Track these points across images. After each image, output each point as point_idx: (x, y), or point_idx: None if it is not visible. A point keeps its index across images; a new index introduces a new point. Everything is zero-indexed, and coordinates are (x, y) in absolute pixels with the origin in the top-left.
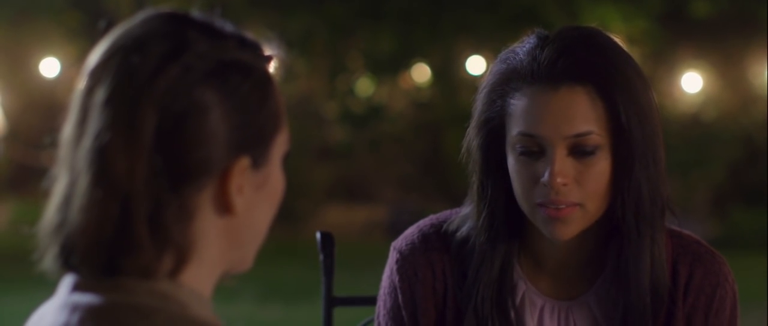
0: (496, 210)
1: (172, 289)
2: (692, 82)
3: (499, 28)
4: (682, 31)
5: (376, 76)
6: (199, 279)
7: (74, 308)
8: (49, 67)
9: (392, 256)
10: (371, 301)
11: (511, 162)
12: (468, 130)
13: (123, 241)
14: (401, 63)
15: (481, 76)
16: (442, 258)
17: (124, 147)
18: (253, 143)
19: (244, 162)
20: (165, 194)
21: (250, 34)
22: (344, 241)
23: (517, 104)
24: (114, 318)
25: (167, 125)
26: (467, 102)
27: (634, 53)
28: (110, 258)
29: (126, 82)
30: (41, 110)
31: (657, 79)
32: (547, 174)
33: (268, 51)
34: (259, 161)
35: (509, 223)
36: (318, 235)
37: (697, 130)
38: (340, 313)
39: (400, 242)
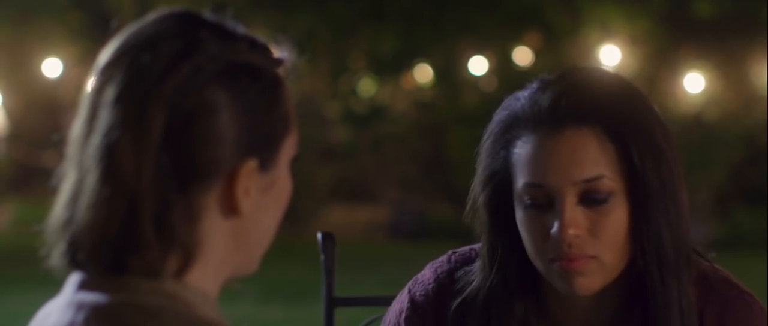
0: (509, 272)
1: (178, 289)
2: (694, 82)
3: (501, 28)
4: (684, 31)
5: (379, 77)
6: (204, 280)
7: (80, 307)
8: (52, 67)
9: (405, 299)
10: (372, 302)
11: (520, 216)
12: (473, 185)
13: (129, 240)
14: (403, 63)
15: (483, 77)
16: (454, 316)
17: (132, 145)
18: (261, 145)
19: (252, 164)
20: (172, 194)
21: (261, 37)
22: (346, 242)
23: (521, 153)
24: (120, 318)
25: (176, 125)
26: (469, 102)
27: (637, 53)
28: (116, 256)
29: (136, 80)
30: (44, 110)
31: (659, 79)
32: (556, 226)
33: (279, 54)
34: (266, 164)
35: (523, 285)
36: (319, 235)
37: (699, 130)
38: (340, 313)
39: (415, 287)
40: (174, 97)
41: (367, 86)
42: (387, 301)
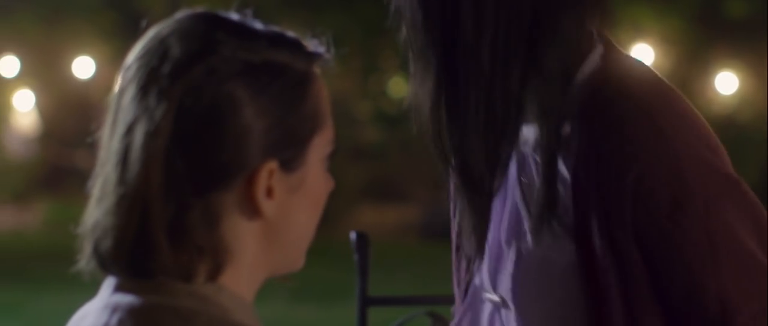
0: None
1: (212, 292)
2: (727, 82)
3: None
4: (716, 30)
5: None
6: (238, 283)
7: (115, 309)
8: (84, 66)
9: None
10: (406, 301)
11: None
12: None
13: (143, 244)
14: None
15: None
16: None
17: (142, 149)
18: (283, 145)
19: (272, 165)
20: (188, 197)
21: (290, 33)
22: (377, 242)
23: None
24: (154, 320)
25: (188, 128)
26: None
27: (668, 53)
28: (134, 260)
29: (149, 83)
30: (75, 110)
31: (691, 79)
32: None
33: (312, 49)
34: (291, 163)
35: None
36: (353, 235)
37: (731, 131)
38: (373, 313)
39: None
40: (185, 99)
41: (398, 86)
42: (420, 301)
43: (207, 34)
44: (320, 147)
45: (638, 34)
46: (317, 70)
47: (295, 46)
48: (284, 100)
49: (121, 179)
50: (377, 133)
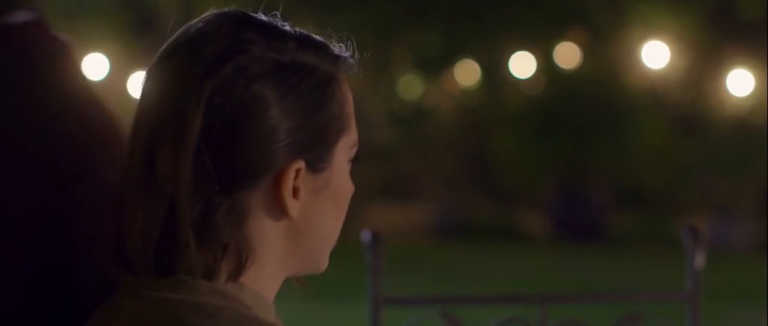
0: None
1: (234, 290)
2: (740, 81)
3: (545, 27)
4: (730, 29)
5: (424, 73)
6: (260, 282)
7: (137, 306)
8: (97, 66)
9: None
10: (418, 301)
11: None
12: None
13: (170, 242)
14: (448, 61)
15: (528, 77)
16: None
17: (171, 149)
18: (309, 146)
19: (298, 165)
20: (215, 195)
21: (317, 36)
22: (390, 242)
23: None
24: (176, 316)
25: (217, 126)
26: (513, 102)
27: (681, 51)
28: (159, 259)
29: (177, 82)
30: None
31: (704, 77)
32: None
33: (338, 52)
34: (317, 164)
35: None
36: (368, 235)
37: (745, 131)
38: (386, 313)
39: None
40: (214, 97)
41: (412, 88)
42: (433, 301)
43: (236, 33)
44: (345, 149)
45: (650, 32)
46: (342, 73)
47: (322, 48)
48: (311, 100)
49: (148, 178)
50: (391, 134)
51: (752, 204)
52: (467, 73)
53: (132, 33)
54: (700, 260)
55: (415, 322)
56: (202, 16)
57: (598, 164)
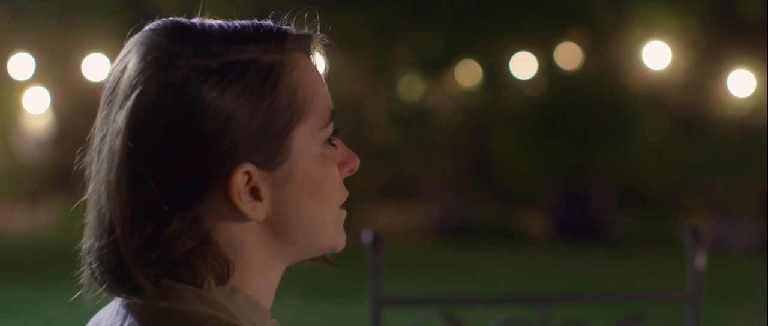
0: None
1: (223, 296)
2: (741, 81)
3: (546, 27)
4: (731, 29)
5: (425, 73)
6: (251, 283)
7: (126, 314)
8: (97, 66)
9: None
10: (419, 301)
11: None
12: None
13: (120, 265)
14: (449, 61)
15: (529, 78)
16: None
17: (105, 173)
18: (255, 145)
19: (245, 168)
20: (164, 213)
21: (265, 24)
22: (390, 242)
23: None
24: (163, 325)
25: (149, 146)
26: (514, 102)
27: (682, 51)
28: (118, 280)
29: (109, 103)
30: (90, 111)
31: (705, 77)
32: None
33: (284, 34)
34: (271, 161)
35: None
36: (369, 236)
37: (746, 131)
38: (387, 313)
39: None
40: (142, 116)
41: (413, 87)
42: (434, 301)
43: (161, 47)
44: (309, 134)
45: (650, 32)
46: (298, 54)
47: (264, 37)
48: (249, 99)
49: (96, 202)
50: (391, 134)
51: (753, 204)
52: (468, 73)
53: (132, 33)
54: (700, 261)
55: (415, 322)
56: (130, 37)
57: (599, 165)
